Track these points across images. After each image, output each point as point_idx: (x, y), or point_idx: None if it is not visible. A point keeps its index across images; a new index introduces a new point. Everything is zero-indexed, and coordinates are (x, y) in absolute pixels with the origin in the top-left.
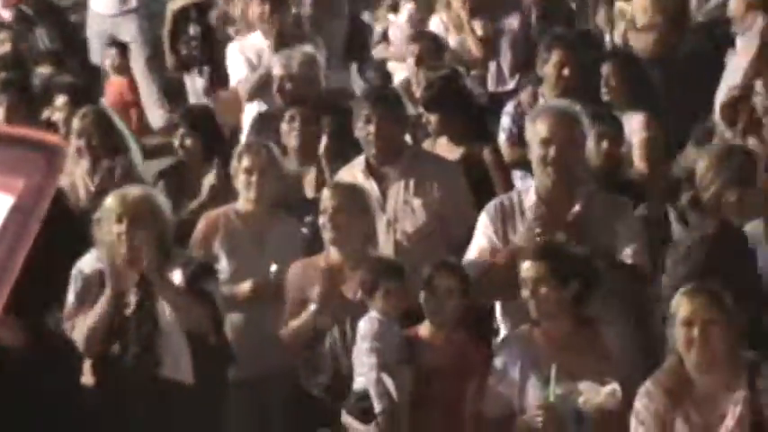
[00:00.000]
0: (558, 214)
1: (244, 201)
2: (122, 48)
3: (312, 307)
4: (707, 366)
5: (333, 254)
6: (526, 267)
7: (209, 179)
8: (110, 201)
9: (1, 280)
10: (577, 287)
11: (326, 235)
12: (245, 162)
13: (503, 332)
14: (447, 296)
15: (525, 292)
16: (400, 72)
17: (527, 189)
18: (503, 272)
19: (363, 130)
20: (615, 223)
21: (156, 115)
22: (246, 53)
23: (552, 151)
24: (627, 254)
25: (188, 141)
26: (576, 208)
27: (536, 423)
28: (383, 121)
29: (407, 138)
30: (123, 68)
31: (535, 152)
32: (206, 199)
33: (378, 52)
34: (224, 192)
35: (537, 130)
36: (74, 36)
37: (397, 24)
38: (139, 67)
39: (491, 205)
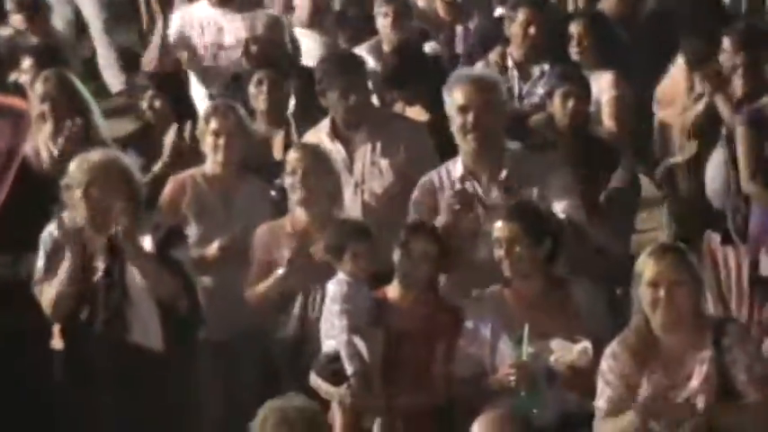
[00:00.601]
0: (486, 182)
1: (211, 163)
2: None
3: (280, 271)
4: (672, 326)
5: (299, 215)
6: (500, 227)
7: (168, 138)
8: (74, 165)
9: None
10: (550, 246)
11: (296, 196)
12: (213, 124)
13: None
14: (422, 259)
15: (499, 252)
16: (305, 39)
17: (455, 161)
18: None
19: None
20: (546, 181)
21: (113, 78)
22: (185, 24)
23: (471, 118)
24: (559, 209)
25: (157, 103)
26: (503, 174)
27: (509, 382)
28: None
29: (375, 100)
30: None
31: (455, 121)
32: (168, 159)
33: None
34: (189, 153)
35: (454, 99)
36: None
37: None
38: (96, 31)
39: (423, 179)
